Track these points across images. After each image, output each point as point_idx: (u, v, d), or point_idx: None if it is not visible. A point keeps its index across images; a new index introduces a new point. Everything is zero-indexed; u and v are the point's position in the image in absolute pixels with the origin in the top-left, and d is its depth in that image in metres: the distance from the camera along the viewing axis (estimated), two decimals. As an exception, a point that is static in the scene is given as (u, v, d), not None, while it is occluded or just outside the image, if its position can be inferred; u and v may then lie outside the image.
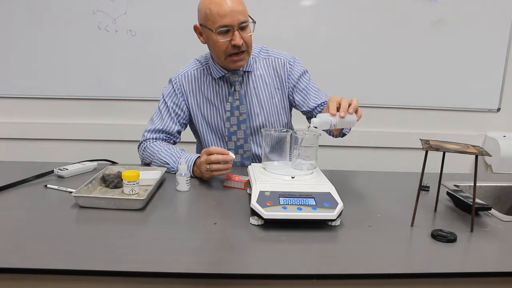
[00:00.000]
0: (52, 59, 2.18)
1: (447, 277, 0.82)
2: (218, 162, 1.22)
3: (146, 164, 1.42)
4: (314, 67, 2.19)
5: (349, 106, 1.15)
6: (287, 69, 1.46)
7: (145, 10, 2.14)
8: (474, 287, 0.85)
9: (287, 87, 1.47)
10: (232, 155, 1.23)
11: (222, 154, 1.21)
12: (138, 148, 1.46)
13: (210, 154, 1.22)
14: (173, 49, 2.18)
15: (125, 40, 2.16)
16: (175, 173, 1.25)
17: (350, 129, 1.43)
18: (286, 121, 1.51)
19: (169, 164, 1.35)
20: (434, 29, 2.23)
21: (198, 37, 1.40)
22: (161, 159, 1.36)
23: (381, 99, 2.32)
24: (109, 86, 2.22)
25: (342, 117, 1.11)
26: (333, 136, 1.38)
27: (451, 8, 2.20)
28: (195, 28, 1.38)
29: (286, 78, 1.46)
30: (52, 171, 1.29)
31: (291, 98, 1.48)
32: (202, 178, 1.29)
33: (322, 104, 1.45)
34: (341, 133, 1.41)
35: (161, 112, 1.45)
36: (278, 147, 1.15)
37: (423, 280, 0.83)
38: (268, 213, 0.94)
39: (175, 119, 1.45)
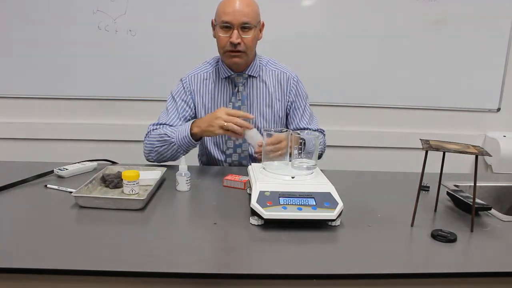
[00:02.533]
0: (52, 59, 2.17)
1: (447, 277, 0.82)
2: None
3: (156, 154, 1.41)
4: (314, 68, 2.21)
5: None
6: (290, 84, 1.52)
7: (145, 10, 2.14)
8: (474, 287, 0.85)
9: (287, 100, 1.52)
10: (252, 126, 1.28)
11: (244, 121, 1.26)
12: (144, 143, 1.46)
13: (230, 114, 1.26)
14: (173, 49, 2.18)
15: (125, 40, 2.16)
16: (175, 146, 1.34)
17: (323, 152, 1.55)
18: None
19: (168, 136, 1.37)
20: (434, 29, 2.23)
21: (212, 31, 1.46)
22: (161, 135, 1.39)
23: (381, 99, 2.32)
24: (109, 86, 2.22)
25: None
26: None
27: (451, 8, 2.20)
28: (211, 22, 1.45)
29: (288, 92, 1.52)
30: (52, 171, 1.29)
31: (288, 111, 1.54)
32: (203, 134, 1.33)
33: (309, 130, 1.54)
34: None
35: (167, 109, 1.49)
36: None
37: (423, 280, 0.83)
38: (268, 213, 0.94)
39: (180, 114, 1.47)
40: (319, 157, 1.53)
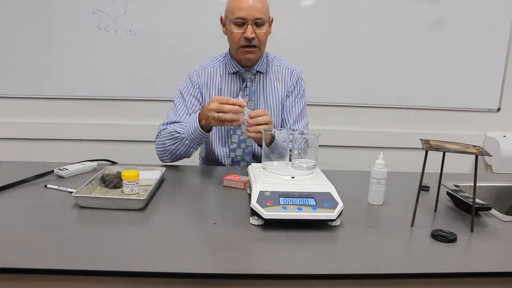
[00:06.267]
0: (52, 59, 2.17)
1: (447, 277, 0.82)
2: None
3: (165, 161, 1.43)
4: (314, 67, 2.21)
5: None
6: (293, 78, 1.54)
7: (145, 10, 2.14)
8: (474, 287, 0.85)
9: (290, 93, 1.54)
10: (243, 102, 1.23)
11: (234, 106, 1.22)
12: (155, 145, 1.46)
13: (222, 103, 1.22)
14: (173, 48, 2.18)
15: (125, 40, 2.16)
16: (187, 141, 1.33)
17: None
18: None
19: (178, 133, 1.36)
20: (434, 29, 2.23)
21: (222, 27, 1.48)
22: (170, 133, 1.38)
23: (381, 99, 2.32)
24: (109, 86, 2.22)
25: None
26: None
27: (451, 8, 2.20)
28: (221, 19, 1.48)
29: (290, 86, 1.54)
30: (52, 171, 1.29)
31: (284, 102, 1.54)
32: (209, 124, 1.29)
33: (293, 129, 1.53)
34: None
35: (176, 106, 1.49)
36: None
37: (423, 280, 0.83)
38: (268, 213, 0.94)
39: (190, 110, 1.47)
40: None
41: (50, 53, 2.17)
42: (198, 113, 1.33)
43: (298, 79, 1.54)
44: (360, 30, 2.21)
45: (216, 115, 1.22)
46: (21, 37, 2.14)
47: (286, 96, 1.53)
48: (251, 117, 1.22)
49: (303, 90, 1.56)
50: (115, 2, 2.12)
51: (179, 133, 1.36)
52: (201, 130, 1.31)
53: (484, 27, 2.23)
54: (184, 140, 1.35)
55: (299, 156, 1.11)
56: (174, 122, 1.44)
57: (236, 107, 1.22)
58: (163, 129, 1.43)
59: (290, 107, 1.53)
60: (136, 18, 2.14)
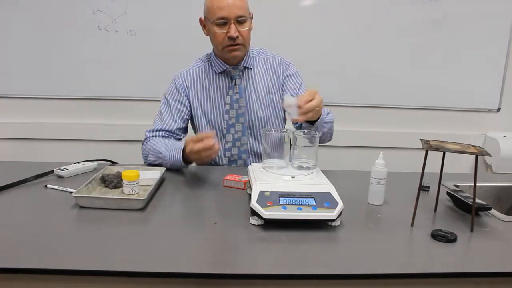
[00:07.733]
0: (52, 59, 2.17)
1: (447, 277, 0.82)
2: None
3: (149, 164, 1.44)
4: (313, 67, 2.21)
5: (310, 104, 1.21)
6: (283, 67, 1.53)
7: (145, 10, 2.14)
8: (474, 287, 0.85)
9: (281, 83, 1.53)
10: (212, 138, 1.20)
11: (203, 142, 1.20)
12: (141, 149, 1.48)
13: (193, 141, 1.22)
14: (173, 48, 2.18)
15: (125, 40, 2.16)
16: (168, 164, 1.36)
17: (330, 135, 1.50)
18: (284, 116, 1.55)
19: (162, 154, 1.38)
20: (434, 29, 2.23)
21: (202, 29, 1.47)
22: (155, 150, 1.40)
23: (381, 99, 2.32)
24: (109, 86, 2.22)
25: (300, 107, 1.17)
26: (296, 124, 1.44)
27: (451, 8, 2.20)
28: (200, 20, 1.46)
29: (281, 75, 1.53)
30: (52, 171, 1.29)
31: (282, 94, 1.54)
32: (199, 160, 1.31)
33: None
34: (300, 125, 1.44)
35: (161, 112, 1.50)
36: (278, 147, 1.15)
37: (423, 280, 0.83)
38: (268, 213, 0.94)
39: (176, 116, 1.47)
40: (329, 138, 1.50)
41: (50, 53, 2.16)
42: (182, 148, 1.32)
43: (289, 65, 1.53)
44: (360, 30, 2.21)
45: (204, 156, 1.22)
46: (21, 37, 2.14)
47: (283, 81, 1.51)
48: (300, 106, 1.18)
49: (297, 71, 1.55)
50: (115, 2, 2.12)
51: (163, 155, 1.37)
52: (183, 164, 1.34)
53: (484, 27, 2.23)
54: (166, 162, 1.37)
55: (299, 156, 1.11)
56: (160, 130, 1.47)
57: (204, 143, 1.19)
58: (151, 136, 1.45)
59: (298, 86, 1.51)
60: (136, 18, 2.14)
